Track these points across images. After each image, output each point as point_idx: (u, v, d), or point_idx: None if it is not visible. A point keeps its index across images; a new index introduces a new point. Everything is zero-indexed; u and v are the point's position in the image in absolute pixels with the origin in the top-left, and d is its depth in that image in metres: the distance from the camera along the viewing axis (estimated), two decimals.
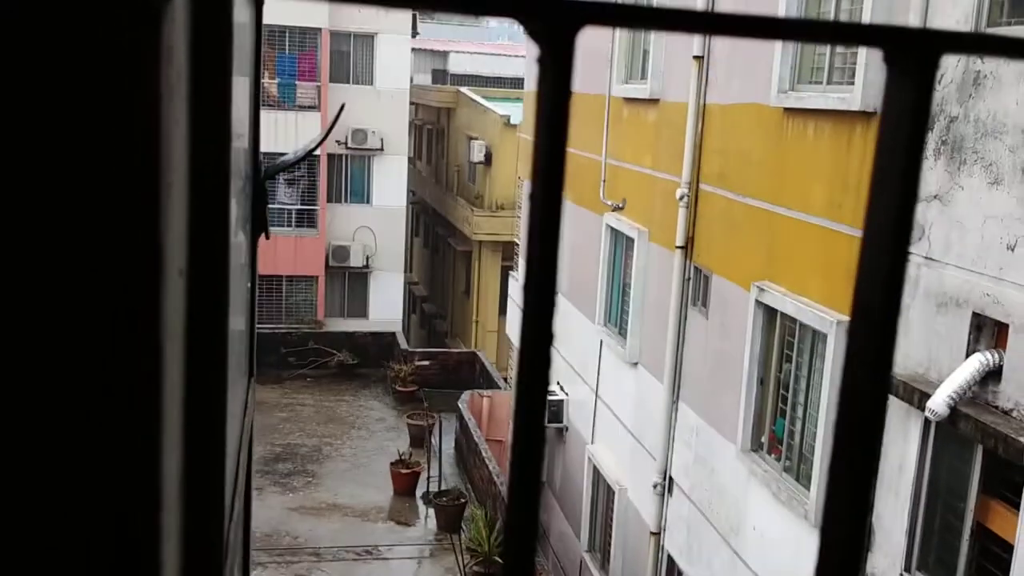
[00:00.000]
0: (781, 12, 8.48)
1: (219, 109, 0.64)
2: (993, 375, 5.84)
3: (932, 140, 6.56)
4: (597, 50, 13.14)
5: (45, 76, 0.36)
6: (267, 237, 1.62)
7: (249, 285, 1.52)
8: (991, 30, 6.10)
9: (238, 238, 1.19)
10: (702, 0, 10.01)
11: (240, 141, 1.09)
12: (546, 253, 0.36)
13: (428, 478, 17.32)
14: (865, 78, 7.24)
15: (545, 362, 0.40)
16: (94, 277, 0.39)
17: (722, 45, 9.80)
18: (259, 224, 1.54)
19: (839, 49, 7.98)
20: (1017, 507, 5.71)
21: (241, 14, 1.05)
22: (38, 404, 0.42)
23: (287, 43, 25.19)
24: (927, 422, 6.31)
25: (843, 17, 7.91)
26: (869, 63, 7.21)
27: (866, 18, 7.23)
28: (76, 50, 0.36)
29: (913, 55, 0.38)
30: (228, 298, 0.69)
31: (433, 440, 18.17)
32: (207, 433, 0.64)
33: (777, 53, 8.50)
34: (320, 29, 25.01)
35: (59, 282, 0.40)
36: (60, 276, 0.40)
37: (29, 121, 0.37)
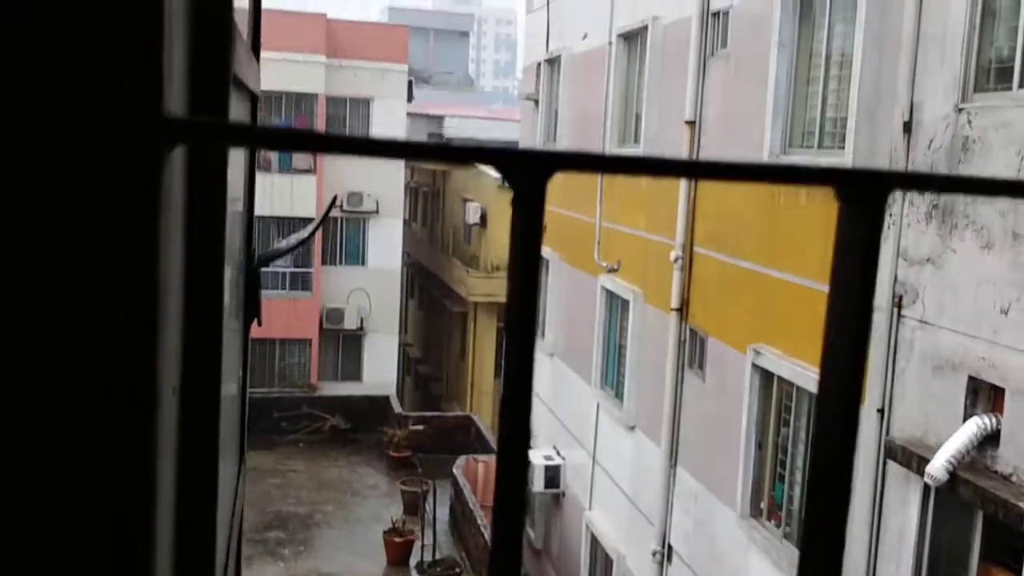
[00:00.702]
0: (770, 89, 8.64)
1: (214, 243, 0.66)
2: (991, 439, 5.82)
3: (924, 204, 6.65)
4: (591, 114, 13.35)
5: (53, 224, 0.39)
6: (259, 324, 1.63)
7: (241, 374, 1.54)
8: (978, 96, 6.22)
9: (233, 327, 1.21)
10: (695, 47, 10.20)
11: (234, 231, 1.12)
12: (520, 393, 0.38)
13: (422, 547, 17.05)
14: (856, 142, 7.35)
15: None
16: (92, 399, 0.40)
17: (715, 109, 9.97)
18: (251, 312, 1.56)
19: (829, 113, 8.13)
20: (1018, 574, 5.64)
21: (237, 112, 1.09)
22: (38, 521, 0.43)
23: (284, 108, 25.55)
24: (926, 487, 6.27)
25: (832, 86, 8.06)
26: (859, 128, 7.33)
27: (854, 87, 7.37)
28: (79, 202, 0.39)
29: (863, 193, 0.40)
30: (219, 412, 0.71)
31: (427, 507, 17.93)
32: (198, 549, 0.66)
33: (768, 117, 8.64)
34: (316, 94, 25.39)
35: (55, 403, 0.42)
36: (57, 398, 0.41)
37: (39, 261, 0.39)
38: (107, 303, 0.40)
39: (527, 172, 0.38)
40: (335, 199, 3.34)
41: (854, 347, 0.41)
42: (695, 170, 0.40)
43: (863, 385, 0.41)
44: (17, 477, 0.41)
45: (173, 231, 0.49)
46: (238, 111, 1.02)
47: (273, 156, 25.36)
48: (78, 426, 0.41)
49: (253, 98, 1.50)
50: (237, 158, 1.12)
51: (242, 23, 1.37)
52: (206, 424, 0.66)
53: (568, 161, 0.38)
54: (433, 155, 0.38)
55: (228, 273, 0.97)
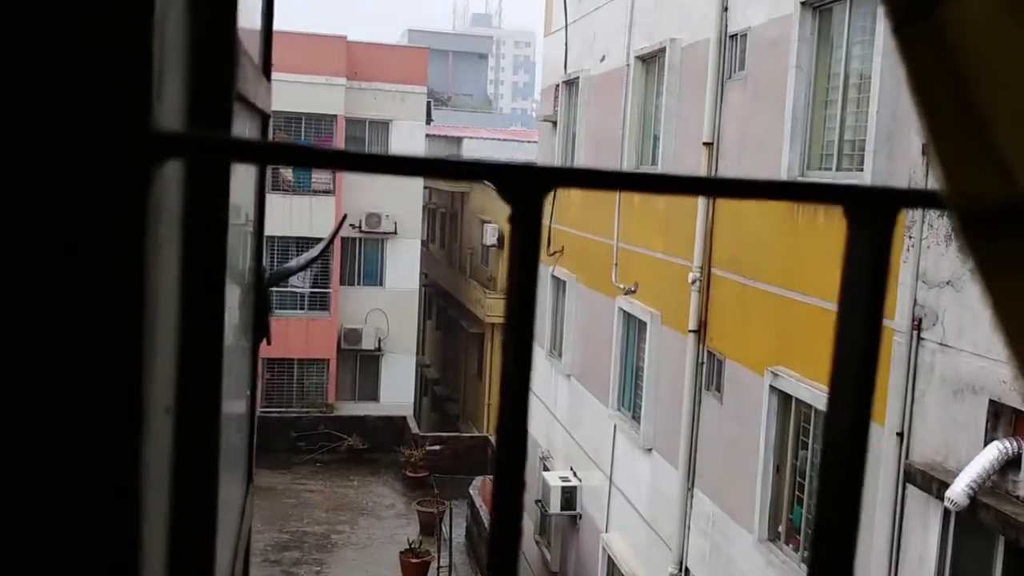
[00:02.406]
0: (788, 111, 8.63)
1: (213, 264, 0.66)
2: (1012, 464, 5.74)
3: (943, 226, 6.59)
4: (609, 135, 13.37)
5: (32, 241, 0.38)
6: (268, 343, 1.63)
7: (249, 393, 1.54)
8: None
9: (240, 346, 1.21)
10: (712, 70, 10.21)
11: (242, 249, 1.12)
12: (517, 407, 0.37)
13: (439, 568, 16.97)
14: (875, 164, 7.32)
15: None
16: (70, 414, 0.40)
17: (732, 130, 9.96)
18: (260, 332, 1.56)
19: (848, 135, 8.10)
20: None
21: (245, 129, 1.09)
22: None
23: (303, 129, 25.74)
24: (947, 512, 6.18)
25: (851, 108, 8.04)
26: (878, 149, 7.29)
27: (873, 109, 7.34)
28: (63, 211, 0.38)
29: (871, 211, 0.39)
30: (218, 440, 0.71)
31: (444, 528, 17.86)
32: (195, 564, 0.64)
33: (786, 139, 8.63)
34: (336, 116, 25.58)
35: (29, 424, 0.41)
36: (31, 418, 0.41)
37: (13, 276, 0.38)
38: (89, 320, 0.40)
39: (525, 188, 0.37)
40: (344, 218, 3.35)
41: (863, 366, 0.40)
42: (698, 186, 0.39)
43: (871, 404, 0.40)
44: None
45: (167, 246, 0.49)
46: (245, 129, 1.02)
47: (292, 177, 25.57)
48: (59, 446, 0.40)
49: (264, 117, 1.50)
50: (246, 176, 1.12)
51: (252, 42, 1.37)
52: (205, 444, 0.65)
53: (565, 177, 0.37)
54: (429, 171, 0.37)
55: (234, 291, 0.97)
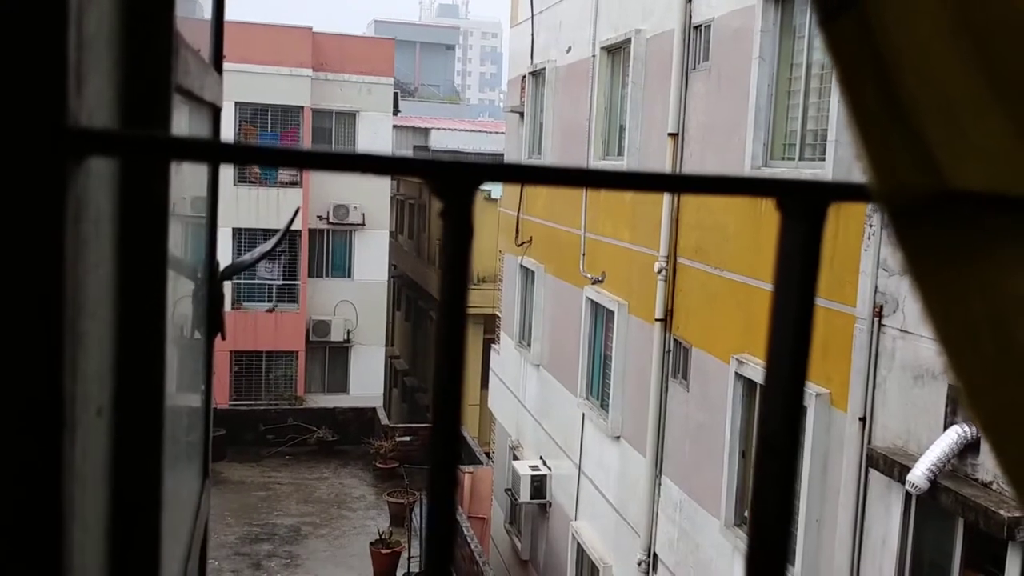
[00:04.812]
0: (752, 102, 8.68)
1: (151, 261, 0.64)
2: (971, 447, 5.84)
3: None
4: (576, 126, 13.38)
5: None
6: (223, 338, 1.62)
7: (204, 387, 1.52)
8: None
9: (193, 340, 1.19)
10: (677, 60, 10.26)
11: (192, 243, 1.10)
12: (449, 406, 0.37)
13: (409, 558, 16.97)
14: (836, 154, 7.39)
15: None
16: None
17: (697, 121, 10.01)
18: (214, 326, 1.54)
19: (810, 125, 8.17)
20: None
21: (193, 126, 1.08)
22: None
23: (270, 121, 25.50)
24: (908, 495, 6.28)
25: (813, 98, 8.11)
26: (840, 139, 7.37)
27: (835, 99, 7.41)
28: None
29: (804, 204, 0.40)
30: (161, 437, 0.69)
31: (414, 518, 17.86)
32: (138, 562, 0.64)
33: (750, 129, 8.68)
34: (302, 107, 25.36)
35: None
36: None
37: None
38: (4, 321, 0.39)
39: (453, 184, 0.36)
40: (297, 211, 3.33)
41: (795, 354, 0.40)
42: (631, 181, 0.39)
43: (804, 382, 0.40)
44: None
45: (97, 244, 0.48)
46: (190, 123, 1.00)
47: (259, 169, 25.32)
48: None
49: (214, 110, 1.48)
50: (197, 169, 1.10)
51: (201, 34, 1.35)
52: (146, 442, 0.64)
53: (492, 172, 0.37)
54: (357, 167, 0.37)
55: (185, 286, 0.95)
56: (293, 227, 24.81)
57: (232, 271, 1.96)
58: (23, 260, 0.37)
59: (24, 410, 0.38)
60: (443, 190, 0.37)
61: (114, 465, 0.56)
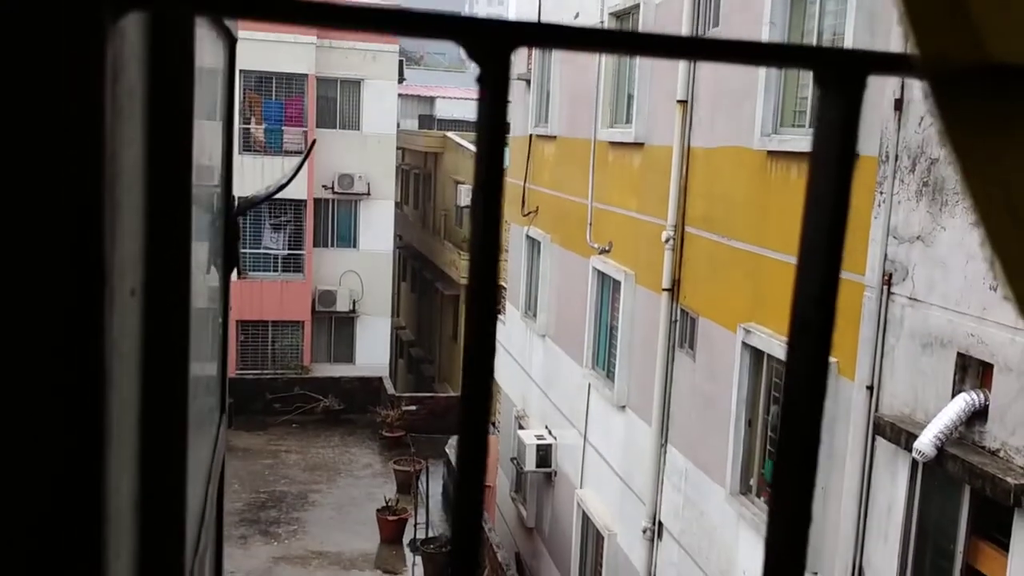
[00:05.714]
0: (761, 69, 8.60)
1: (180, 135, 0.64)
2: (979, 415, 5.84)
3: (914, 181, 6.64)
4: (583, 94, 13.29)
5: None
6: (239, 275, 1.62)
7: (221, 321, 1.52)
8: None
9: (210, 274, 1.19)
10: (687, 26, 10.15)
11: (212, 178, 1.09)
12: (487, 260, 0.37)
13: (415, 525, 17.12)
14: None
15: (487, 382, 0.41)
16: (33, 293, 0.39)
17: (706, 89, 9.93)
18: (231, 261, 1.54)
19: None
20: (1006, 549, 5.68)
21: (212, 54, 1.07)
22: None
23: (274, 89, 25.38)
24: (915, 463, 6.30)
25: (827, 31, 8.01)
26: None
27: (849, 32, 7.31)
28: (13, 64, 0.37)
29: (842, 75, 0.39)
30: (188, 316, 0.69)
31: (420, 486, 17.99)
32: (166, 457, 0.64)
33: (760, 96, 8.62)
34: (307, 75, 25.23)
35: None
36: None
37: None
38: (47, 184, 0.38)
39: (491, 45, 0.36)
40: (314, 142, 3.32)
41: (832, 233, 0.40)
42: (667, 46, 0.38)
43: (841, 256, 0.40)
44: None
45: (129, 120, 0.47)
46: (213, 49, 0.99)
47: (264, 138, 25.25)
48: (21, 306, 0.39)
49: (231, 40, 1.47)
50: (212, 128, 1.09)
51: None
52: (176, 326, 0.64)
53: (531, 32, 0.36)
54: (377, 25, 0.36)
55: (204, 217, 0.95)
56: (298, 197, 24.79)
57: (247, 205, 1.96)
58: (64, 119, 0.37)
59: (67, 280, 0.38)
60: (479, 52, 0.36)
61: (143, 346, 0.56)
